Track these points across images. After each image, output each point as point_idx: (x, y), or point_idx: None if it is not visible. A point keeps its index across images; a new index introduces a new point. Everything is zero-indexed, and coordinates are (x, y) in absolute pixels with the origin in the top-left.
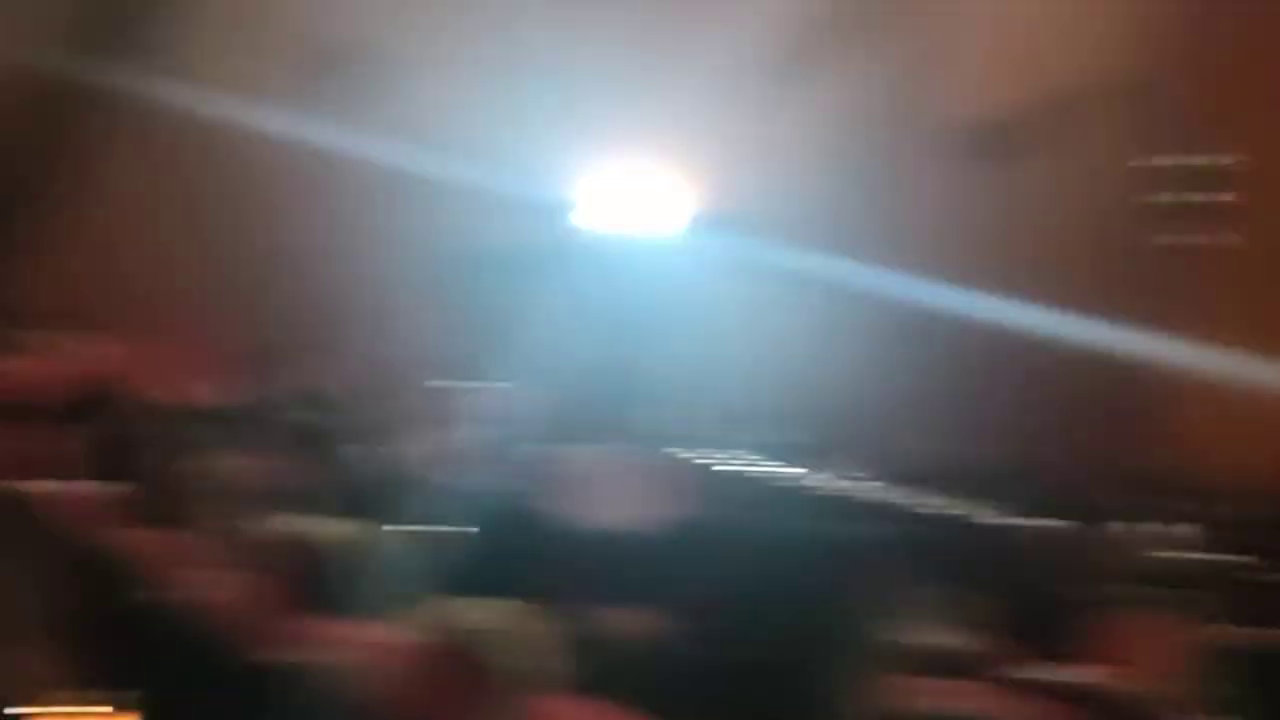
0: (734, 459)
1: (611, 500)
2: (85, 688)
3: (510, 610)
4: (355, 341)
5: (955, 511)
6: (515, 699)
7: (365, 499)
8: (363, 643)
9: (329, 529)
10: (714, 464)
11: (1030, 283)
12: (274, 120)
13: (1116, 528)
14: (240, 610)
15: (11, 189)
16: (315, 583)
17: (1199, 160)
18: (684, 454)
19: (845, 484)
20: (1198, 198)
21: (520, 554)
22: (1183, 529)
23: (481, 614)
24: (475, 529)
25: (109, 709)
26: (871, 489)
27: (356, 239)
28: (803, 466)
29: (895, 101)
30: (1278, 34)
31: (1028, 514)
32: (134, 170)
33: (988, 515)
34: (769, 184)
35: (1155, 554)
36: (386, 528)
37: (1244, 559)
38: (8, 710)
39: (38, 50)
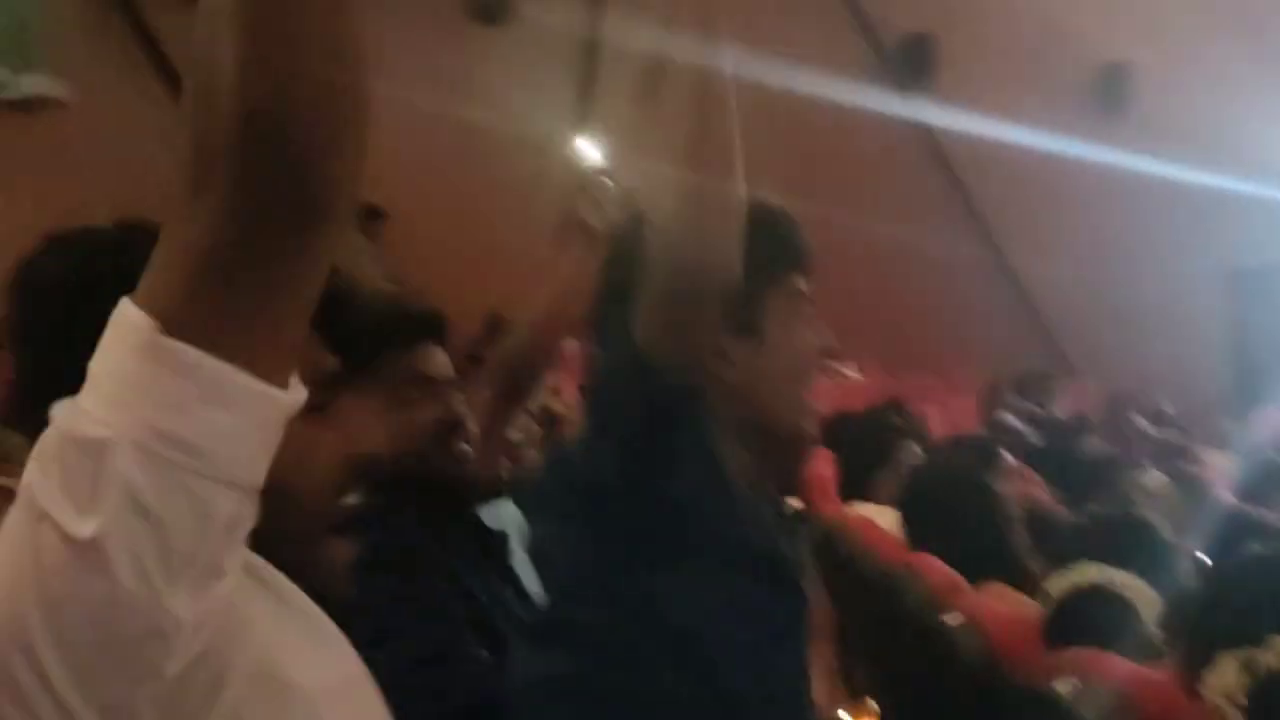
0: None
1: None
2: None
3: None
4: (1119, 363)
5: None
6: None
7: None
8: (1127, 676)
9: (1108, 571)
10: None
11: None
12: (1039, 146)
13: None
14: (1004, 637)
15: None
16: (1089, 617)
17: None
18: None
19: None
20: None
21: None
22: None
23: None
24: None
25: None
26: None
27: (1127, 258)
28: None
29: None
30: None
31: None
32: (901, 197)
33: None
34: None
35: None
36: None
37: None
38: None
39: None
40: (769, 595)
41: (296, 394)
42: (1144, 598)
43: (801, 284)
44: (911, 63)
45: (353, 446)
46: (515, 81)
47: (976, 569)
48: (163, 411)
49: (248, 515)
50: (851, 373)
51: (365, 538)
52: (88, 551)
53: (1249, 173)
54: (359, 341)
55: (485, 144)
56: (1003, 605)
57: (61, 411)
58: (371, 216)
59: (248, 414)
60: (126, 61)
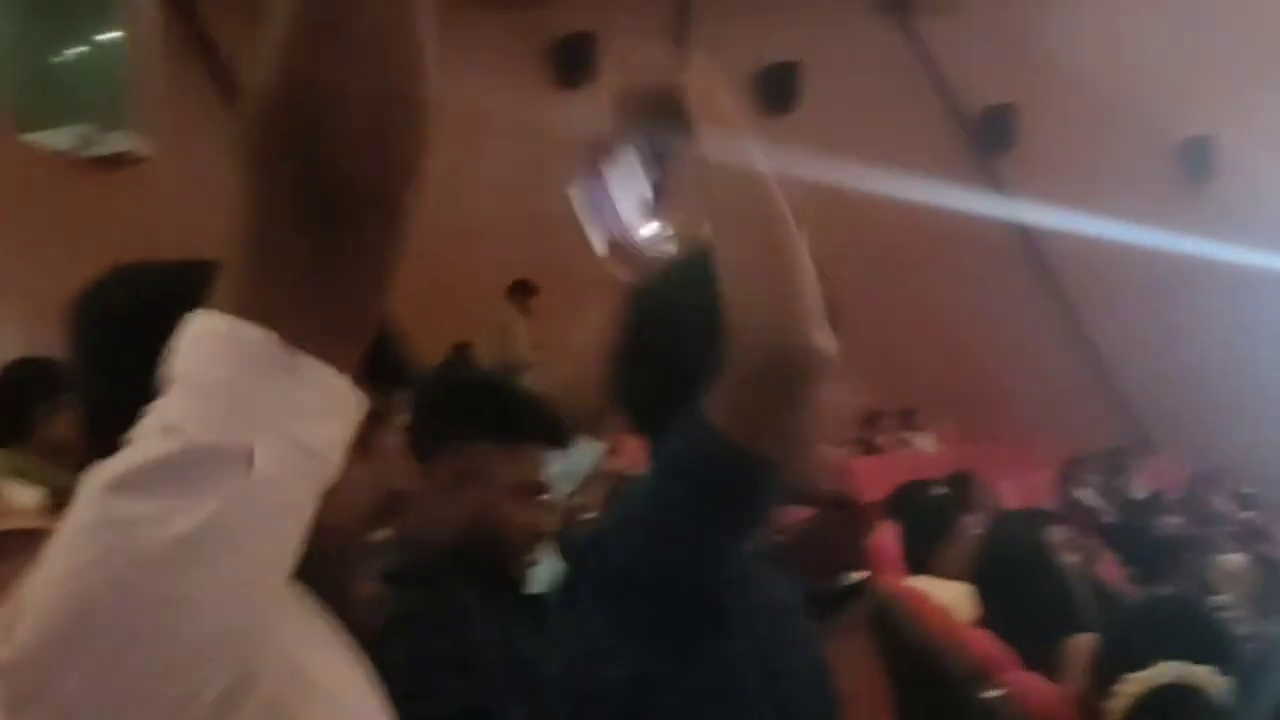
0: None
1: None
2: None
3: None
4: (1203, 441)
5: None
6: None
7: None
8: None
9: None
10: None
11: None
12: (1117, 223)
13: None
14: (1045, 713)
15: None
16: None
17: None
18: None
19: None
20: None
21: None
22: None
23: None
24: None
25: None
26: None
27: (1211, 337)
28: None
29: None
30: None
31: None
32: (981, 276)
33: None
34: None
35: None
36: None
37: None
38: None
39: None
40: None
41: (363, 396)
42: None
43: (833, 343)
44: (993, 135)
45: (384, 481)
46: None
47: (1046, 634)
48: (297, 420)
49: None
50: (926, 444)
51: (416, 592)
52: (195, 543)
53: None
54: (492, 424)
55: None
56: (1046, 684)
57: (157, 424)
58: (523, 292)
59: (345, 417)
60: (212, 117)
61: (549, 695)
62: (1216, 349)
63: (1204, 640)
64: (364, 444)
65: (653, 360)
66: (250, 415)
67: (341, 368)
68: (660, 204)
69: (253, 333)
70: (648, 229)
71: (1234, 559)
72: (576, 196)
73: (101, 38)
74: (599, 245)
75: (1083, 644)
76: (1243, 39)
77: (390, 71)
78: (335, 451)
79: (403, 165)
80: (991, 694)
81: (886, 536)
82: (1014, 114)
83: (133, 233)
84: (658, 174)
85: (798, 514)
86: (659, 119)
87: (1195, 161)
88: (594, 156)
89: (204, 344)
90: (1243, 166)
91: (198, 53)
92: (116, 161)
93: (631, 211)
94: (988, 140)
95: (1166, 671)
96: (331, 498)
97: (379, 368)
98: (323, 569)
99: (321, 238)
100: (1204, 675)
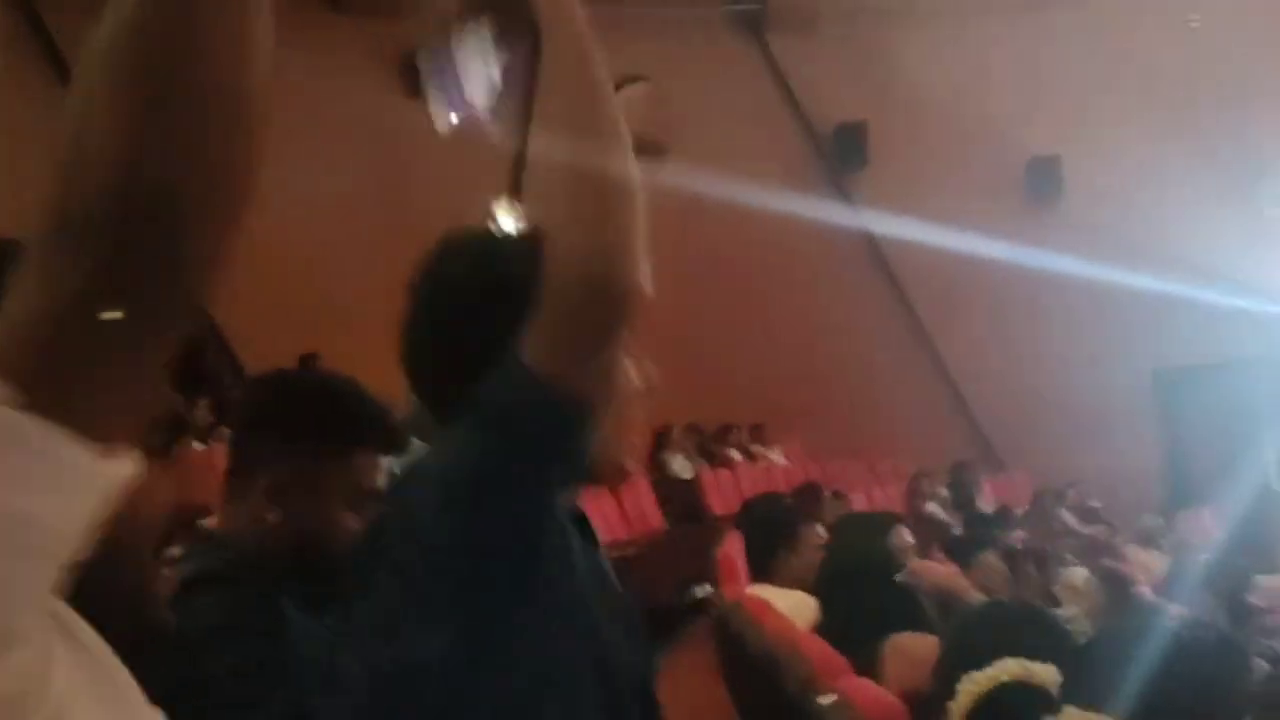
0: None
1: None
2: None
3: None
4: (1051, 458)
5: None
6: None
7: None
8: None
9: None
10: None
11: None
12: (970, 240)
13: None
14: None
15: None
16: None
17: None
18: None
19: None
20: None
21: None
22: None
23: None
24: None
25: None
26: None
27: (1059, 355)
28: None
29: None
30: None
31: None
32: (837, 291)
33: None
34: None
35: None
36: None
37: None
38: None
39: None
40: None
41: (122, 467)
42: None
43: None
44: (845, 152)
45: (185, 495)
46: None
47: (883, 625)
48: (17, 492)
49: (58, 582)
50: (776, 457)
51: (224, 596)
52: None
53: (1175, 272)
54: (318, 431)
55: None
56: (878, 689)
57: None
58: None
59: (65, 483)
60: (26, 69)
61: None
62: (1062, 365)
63: (1045, 641)
64: (165, 453)
65: (437, 343)
66: None
67: (98, 434)
68: (508, 87)
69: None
70: (490, 109)
71: (1078, 573)
72: (424, 69)
73: None
74: (440, 121)
75: (904, 643)
76: (1089, 60)
77: (242, 150)
78: (69, 525)
79: (226, 250)
80: (826, 700)
81: (734, 548)
82: (866, 132)
83: None
84: (507, 56)
85: (645, 529)
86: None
87: (1042, 180)
88: (443, 31)
89: None
90: (1088, 186)
91: (27, 30)
92: None
93: (477, 91)
94: (840, 157)
95: (1008, 668)
96: (127, 509)
97: (187, 375)
98: (114, 583)
99: (133, 312)
100: (1043, 672)
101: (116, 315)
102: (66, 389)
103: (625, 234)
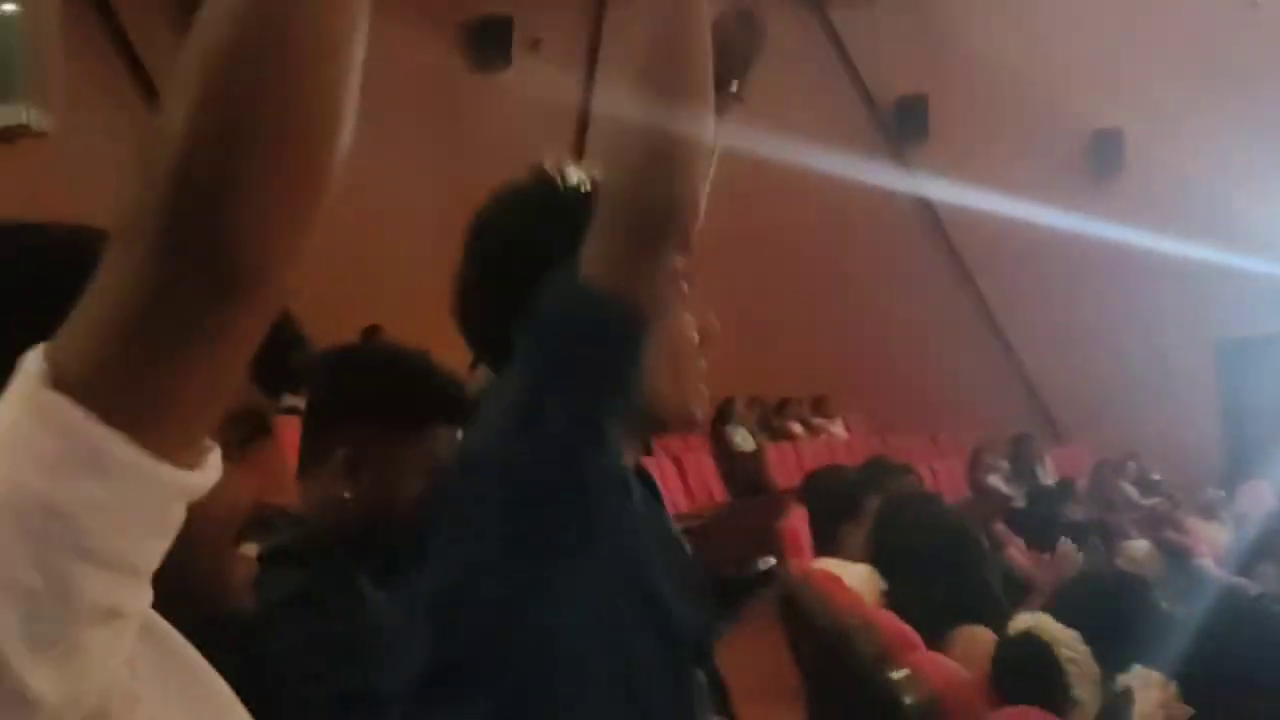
0: None
1: None
2: None
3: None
4: (1115, 430)
5: None
6: None
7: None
8: None
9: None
10: None
11: None
12: (1033, 212)
13: None
14: (952, 693)
15: None
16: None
17: None
18: None
19: None
20: None
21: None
22: None
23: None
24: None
25: None
26: None
27: (1122, 326)
28: None
29: None
30: None
31: None
32: (899, 260)
33: None
34: None
35: None
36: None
37: None
38: None
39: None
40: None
41: (200, 476)
42: (1075, 654)
43: (680, 263)
44: (906, 125)
45: (264, 495)
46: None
47: (951, 613)
48: (36, 472)
49: (132, 599)
50: (837, 430)
51: (300, 572)
52: None
53: (1237, 244)
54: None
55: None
56: (951, 664)
57: None
58: None
59: (130, 489)
60: (114, 88)
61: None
62: (1123, 338)
63: (1138, 608)
64: (243, 452)
65: (494, 291)
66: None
67: (167, 443)
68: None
69: (33, 368)
70: None
71: (1139, 545)
72: None
73: None
74: None
75: (977, 635)
76: (1152, 33)
77: (306, 150)
78: (92, 517)
79: (295, 250)
80: (898, 674)
81: (798, 521)
82: (927, 104)
83: (28, 210)
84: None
85: (707, 501)
86: None
87: (1105, 153)
88: None
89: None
90: (1150, 158)
91: (100, 28)
92: (11, 136)
93: None
94: (901, 130)
95: (1024, 622)
96: (203, 509)
97: (268, 370)
98: (190, 578)
99: (189, 312)
100: (1062, 633)
101: (187, 308)
102: (142, 388)
103: (687, 166)
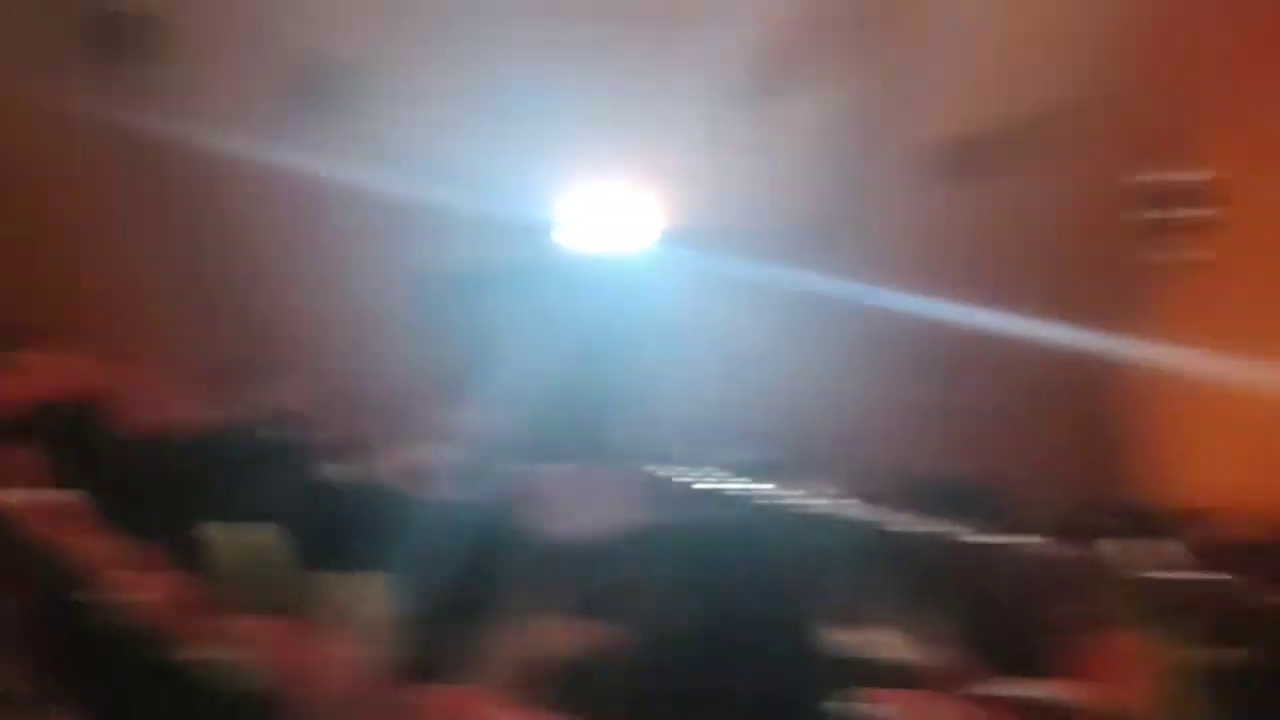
0: (706, 476)
1: (582, 516)
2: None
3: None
4: (328, 360)
5: (927, 527)
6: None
7: (339, 513)
8: (267, 636)
9: (243, 533)
10: (686, 480)
11: (1009, 299)
12: (252, 143)
13: (1097, 545)
14: (164, 610)
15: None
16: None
17: (1176, 176)
18: (657, 471)
19: (817, 500)
20: (1177, 213)
21: (491, 569)
22: (1164, 548)
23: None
24: (443, 544)
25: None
26: (843, 505)
27: (333, 259)
28: (774, 483)
29: (869, 118)
30: (1250, 49)
31: (1002, 531)
32: (110, 189)
33: (960, 531)
34: (742, 200)
35: (1135, 573)
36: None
37: (1228, 579)
38: None
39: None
40: None
41: None
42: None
43: None
44: (115, 43)
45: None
46: None
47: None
48: None
49: None
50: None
51: None
52: None
53: (440, 182)
54: None
55: None
56: (162, 577)
57: None
58: None
59: None
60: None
61: None
62: (338, 270)
63: None
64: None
65: None
66: None
67: None
68: None
69: None
70: None
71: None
72: None
73: None
74: None
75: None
76: None
77: None
78: None
79: None
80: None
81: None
82: (155, 25)
83: None
84: None
85: None
86: None
87: (331, 85)
88: None
89: None
90: (381, 93)
91: None
92: None
93: None
94: (108, 48)
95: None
96: None
97: None
98: None
99: None
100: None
101: None
102: None
103: None
